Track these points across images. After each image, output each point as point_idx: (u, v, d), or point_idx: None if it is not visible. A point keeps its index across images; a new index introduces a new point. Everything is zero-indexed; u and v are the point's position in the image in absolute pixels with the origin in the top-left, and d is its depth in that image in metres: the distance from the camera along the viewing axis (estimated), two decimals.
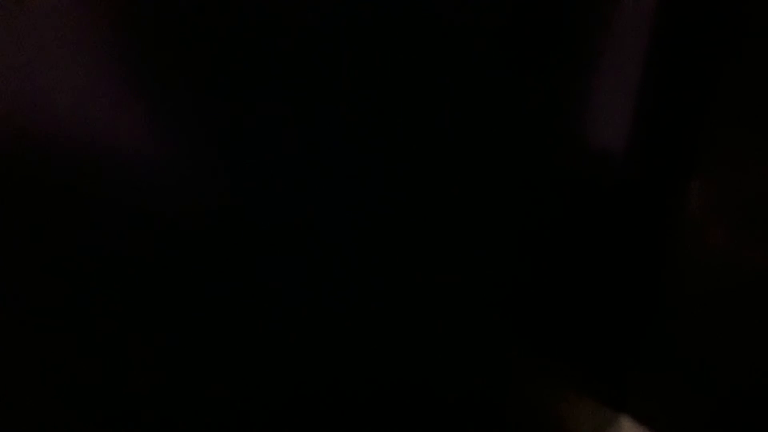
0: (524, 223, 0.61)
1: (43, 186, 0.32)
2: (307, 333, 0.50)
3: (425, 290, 0.56)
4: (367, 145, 0.45)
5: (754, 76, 0.64)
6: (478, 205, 0.56)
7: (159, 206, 0.37)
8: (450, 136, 0.50)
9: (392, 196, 0.49)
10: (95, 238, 0.35)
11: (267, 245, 0.43)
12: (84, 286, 0.36)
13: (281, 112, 0.39)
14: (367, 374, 0.56)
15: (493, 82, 0.50)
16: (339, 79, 0.41)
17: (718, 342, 0.77)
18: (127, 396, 0.41)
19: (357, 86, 0.42)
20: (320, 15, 0.38)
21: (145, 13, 0.32)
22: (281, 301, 0.46)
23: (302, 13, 0.37)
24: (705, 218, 0.73)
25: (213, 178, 0.38)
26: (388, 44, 0.42)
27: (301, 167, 0.42)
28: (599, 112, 0.61)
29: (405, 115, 0.46)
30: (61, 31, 0.30)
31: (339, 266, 0.48)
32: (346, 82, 0.42)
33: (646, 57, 0.61)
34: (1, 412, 0.36)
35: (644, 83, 0.62)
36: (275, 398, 0.51)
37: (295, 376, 0.51)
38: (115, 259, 0.37)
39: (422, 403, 0.64)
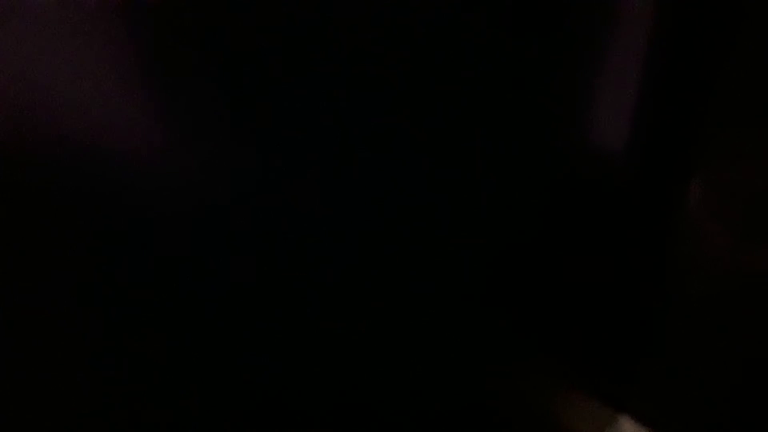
0: (524, 223, 0.61)
1: (49, 186, 0.32)
2: (308, 332, 0.50)
3: (426, 290, 0.56)
4: (368, 145, 0.45)
5: (753, 76, 0.64)
6: (478, 205, 0.56)
7: (164, 206, 0.37)
8: (449, 137, 0.50)
9: (393, 197, 0.49)
10: (105, 237, 0.35)
11: (267, 245, 0.43)
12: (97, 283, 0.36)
13: (283, 112, 0.39)
14: (367, 375, 0.56)
15: (492, 83, 0.50)
16: (336, 78, 0.41)
17: (719, 342, 0.77)
18: (128, 396, 0.41)
19: (357, 86, 0.42)
20: (322, 15, 0.38)
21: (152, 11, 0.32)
22: (280, 300, 0.46)
23: (311, 11, 0.37)
24: (705, 218, 0.73)
25: (218, 178, 0.38)
26: (388, 44, 0.42)
27: (308, 167, 0.42)
28: (598, 112, 0.61)
29: (405, 115, 0.46)
30: (67, 30, 0.30)
31: (339, 265, 0.48)
32: (346, 82, 0.42)
33: (646, 56, 0.61)
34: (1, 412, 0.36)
35: (644, 83, 0.62)
36: (276, 398, 0.51)
37: (294, 376, 0.51)
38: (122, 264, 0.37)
39: (422, 403, 0.64)
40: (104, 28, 0.31)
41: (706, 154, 0.71)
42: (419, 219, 0.52)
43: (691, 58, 0.65)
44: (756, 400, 0.76)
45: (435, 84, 0.46)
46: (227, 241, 0.41)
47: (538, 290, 0.68)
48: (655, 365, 0.86)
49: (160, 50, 0.33)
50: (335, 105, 0.42)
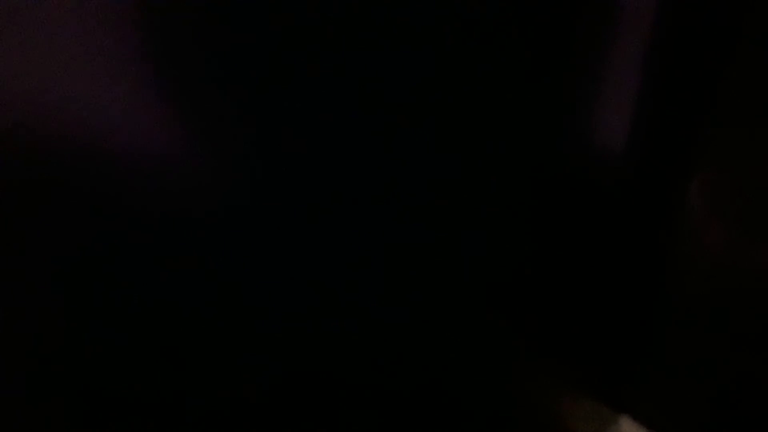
0: (524, 223, 0.61)
1: (57, 187, 0.32)
2: (307, 331, 0.50)
3: (426, 290, 0.56)
4: (369, 145, 0.45)
5: (753, 76, 0.64)
6: (478, 206, 0.56)
7: (173, 207, 0.37)
8: (449, 136, 0.50)
9: (393, 197, 0.49)
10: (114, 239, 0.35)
11: (267, 245, 0.43)
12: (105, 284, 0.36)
13: (287, 112, 0.39)
14: (368, 375, 0.56)
15: (492, 83, 0.50)
16: (338, 78, 0.41)
17: (718, 342, 0.77)
18: (128, 396, 0.41)
19: (358, 87, 0.42)
20: (326, 15, 0.38)
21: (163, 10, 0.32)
22: (281, 300, 0.46)
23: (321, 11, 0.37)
24: (705, 218, 0.73)
25: (226, 180, 0.38)
26: (388, 44, 0.42)
27: (312, 167, 0.42)
28: (598, 112, 0.61)
29: (404, 115, 0.46)
30: (77, 30, 0.30)
31: (338, 264, 0.48)
32: (349, 83, 0.42)
33: (646, 57, 0.61)
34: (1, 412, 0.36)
35: (644, 83, 0.62)
36: (275, 399, 0.51)
37: (295, 376, 0.51)
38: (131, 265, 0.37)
39: (422, 403, 0.64)
40: (116, 25, 0.31)
41: (705, 153, 0.71)
42: (419, 218, 0.52)
43: (691, 58, 0.65)
44: (756, 400, 0.76)
45: (435, 84, 0.46)
46: (227, 240, 0.41)
47: (538, 290, 0.68)
48: (655, 365, 0.86)
49: (169, 48, 0.33)
50: (342, 104, 0.42)
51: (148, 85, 0.33)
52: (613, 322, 0.82)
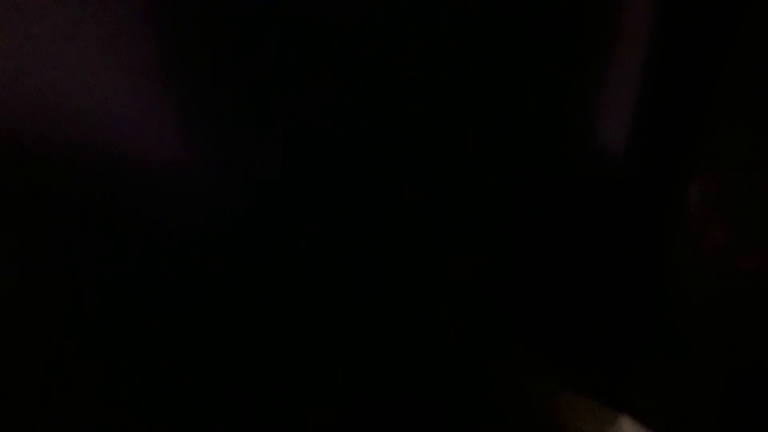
0: (523, 222, 0.61)
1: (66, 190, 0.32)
2: (307, 330, 0.50)
3: (424, 288, 0.56)
4: (370, 145, 0.45)
5: (754, 76, 0.64)
6: (477, 204, 0.56)
7: (181, 211, 0.37)
8: (448, 135, 0.50)
9: (392, 196, 0.49)
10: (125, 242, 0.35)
11: (268, 245, 0.43)
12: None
13: (290, 112, 0.39)
14: (365, 375, 0.56)
15: (492, 82, 0.50)
16: (342, 77, 0.41)
17: (718, 342, 0.77)
18: (129, 396, 0.41)
19: (359, 88, 0.42)
20: (330, 16, 0.38)
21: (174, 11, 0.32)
22: (280, 299, 0.46)
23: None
24: (705, 218, 0.73)
25: (234, 183, 0.38)
26: (388, 44, 0.42)
27: (312, 167, 0.42)
28: (598, 112, 0.61)
29: (403, 115, 0.46)
30: (88, 31, 0.30)
31: (338, 265, 0.48)
32: (350, 83, 0.42)
33: (646, 56, 0.61)
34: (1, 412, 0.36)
35: (643, 82, 0.62)
36: (276, 398, 0.51)
37: (295, 376, 0.51)
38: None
39: (420, 403, 0.64)
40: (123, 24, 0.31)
41: (706, 154, 0.71)
42: (419, 218, 0.52)
43: (691, 58, 0.65)
44: (756, 400, 0.76)
45: (435, 84, 0.46)
46: (228, 241, 0.41)
47: (537, 289, 0.68)
48: (655, 365, 0.85)
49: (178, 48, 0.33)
50: (343, 105, 0.42)
51: (157, 86, 0.33)
52: (613, 322, 0.82)
